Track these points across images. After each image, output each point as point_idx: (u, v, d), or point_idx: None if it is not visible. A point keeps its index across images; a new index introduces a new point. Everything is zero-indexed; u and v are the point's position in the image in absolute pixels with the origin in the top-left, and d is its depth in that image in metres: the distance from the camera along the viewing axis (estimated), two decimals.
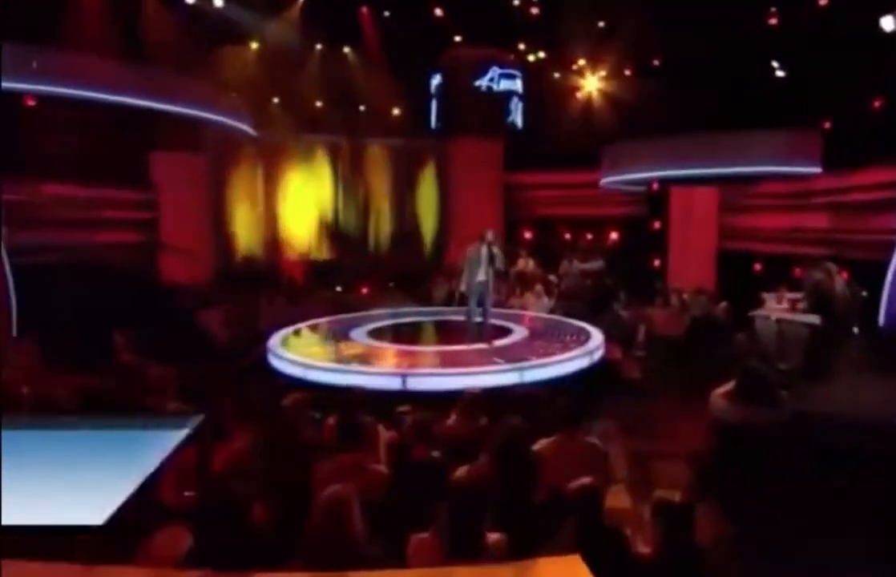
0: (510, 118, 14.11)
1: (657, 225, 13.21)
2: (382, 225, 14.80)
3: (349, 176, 14.69)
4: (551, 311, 10.53)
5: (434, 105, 14.52)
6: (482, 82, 13.75)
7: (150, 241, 12.01)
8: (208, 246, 12.95)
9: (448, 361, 6.96)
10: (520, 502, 2.75)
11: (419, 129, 14.64)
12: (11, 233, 7.97)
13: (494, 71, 13.78)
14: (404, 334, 8.42)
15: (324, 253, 14.33)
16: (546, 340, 8.02)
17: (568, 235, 14.68)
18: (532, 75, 14.03)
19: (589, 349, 7.42)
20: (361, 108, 14.09)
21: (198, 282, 11.41)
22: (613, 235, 14.10)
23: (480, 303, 7.60)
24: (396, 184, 14.58)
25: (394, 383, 6.01)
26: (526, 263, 12.42)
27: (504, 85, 13.93)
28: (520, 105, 14.42)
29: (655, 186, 12.87)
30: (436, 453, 3.45)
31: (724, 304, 9.49)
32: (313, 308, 10.35)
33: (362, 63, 13.69)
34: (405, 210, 14.56)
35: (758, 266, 10.73)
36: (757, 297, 8.72)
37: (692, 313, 9.27)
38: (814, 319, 7.31)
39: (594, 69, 14.10)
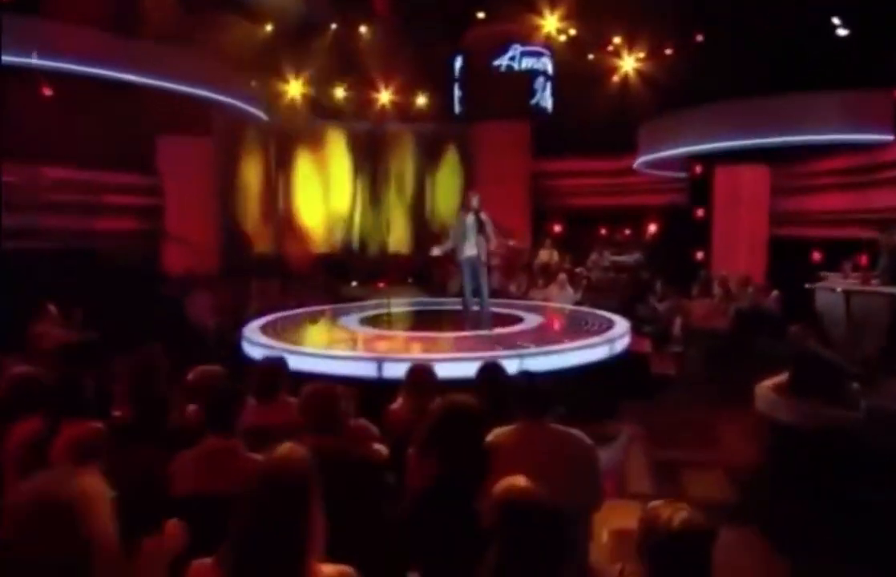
0: (535, 100, 13.11)
1: (700, 213, 11.96)
2: (401, 216, 14.20)
3: (366, 164, 14.18)
4: (578, 304, 9.51)
5: (456, 89, 13.77)
6: (502, 61, 12.86)
7: (152, 229, 11.63)
8: (215, 235, 12.56)
9: (435, 347, 6.14)
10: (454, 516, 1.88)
11: (441, 114, 14.04)
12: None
13: (515, 49, 12.84)
14: (396, 321, 7.66)
15: (338, 246, 13.77)
16: (560, 328, 7.14)
17: (604, 230, 13.88)
18: (562, 55, 13.12)
19: (609, 338, 6.41)
20: (379, 92, 13.48)
21: (198, 271, 10.95)
22: (652, 228, 13.08)
23: (474, 281, 6.75)
24: (417, 172, 14.09)
25: (369, 370, 5.19)
26: (550, 255, 11.65)
27: (527, 64, 12.97)
28: (548, 86, 13.47)
29: (698, 169, 11.83)
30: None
31: (775, 293, 8.25)
32: (312, 298, 9.83)
33: (380, 44, 13.09)
34: (425, 200, 14.06)
35: (817, 255, 9.36)
36: (816, 278, 7.45)
37: (738, 304, 8.04)
38: None
39: (631, 48, 13.11)
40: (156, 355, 2.94)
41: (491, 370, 3.21)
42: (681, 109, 10.32)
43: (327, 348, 5.96)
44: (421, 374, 3.17)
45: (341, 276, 12.70)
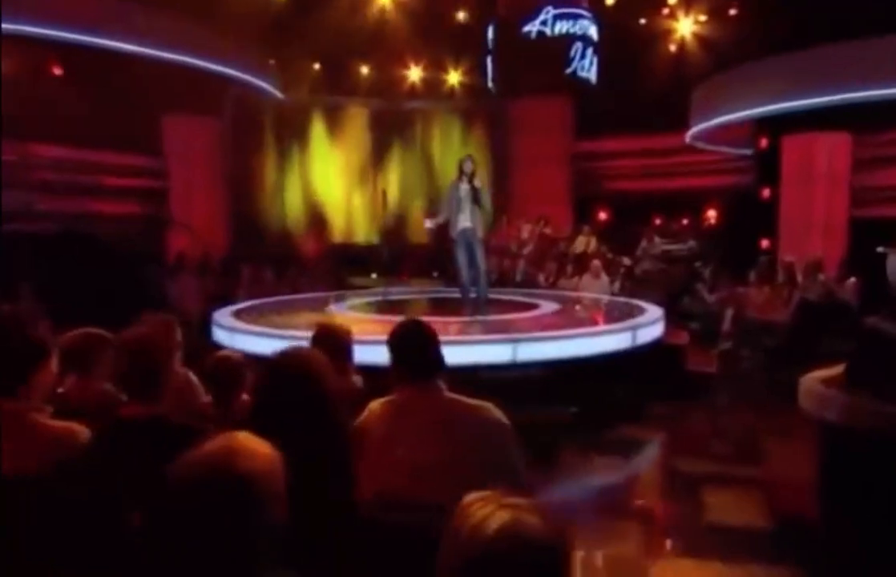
0: (571, 68, 12.39)
1: (766, 194, 10.86)
2: (426, 203, 13.75)
3: (388, 146, 13.93)
4: (614, 296, 8.81)
5: (489, 62, 13.18)
6: (532, 27, 12.15)
7: (157, 214, 11.59)
8: (224, 222, 12.46)
9: None
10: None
11: (475, 91, 13.64)
12: None
13: (548, 12, 12.14)
14: (388, 307, 7.27)
15: (359, 236, 13.44)
16: (581, 317, 6.49)
17: (658, 219, 12.84)
18: (610, 19, 12.58)
19: (632, 325, 5.65)
20: (408, 68, 13.17)
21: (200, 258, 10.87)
22: (711, 213, 12.33)
23: (470, 257, 6.25)
24: (444, 154, 13.71)
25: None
26: (587, 243, 10.91)
27: (561, 28, 12.20)
28: (589, 53, 12.64)
29: (764, 142, 10.89)
30: None
31: (851, 280, 7.17)
32: (314, 288, 9.52)
33: (405, 13, 12.71)
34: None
35: None
36: None
37: (806, 294, 6.99)
38: None
39: (689, 8, 12.42)
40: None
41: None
42: (741, 65, 9.38)
43: (288, 331, 5.41)
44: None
45: (360, 267, 12.31)
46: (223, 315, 6.44)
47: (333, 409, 1.80)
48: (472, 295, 6.46)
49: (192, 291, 8.48)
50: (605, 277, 9.16)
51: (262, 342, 5.22)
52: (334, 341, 2.71)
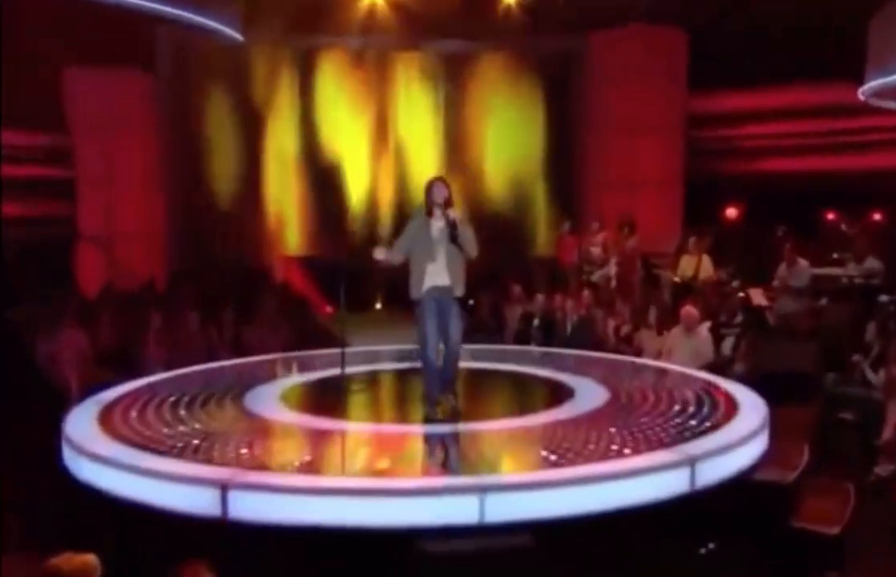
0: None
1: None
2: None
3: (400, 108, 13.91)
4: (722, 366, 8.47)
5: None
6: None
7: (58, 217, 11.85)
8: (159, 228, 12.70)
9: (330, 459, 5.62)
10: None
11: (528, 19, 13.41)
12: None
13: None
14: (331, 397, 7.33)
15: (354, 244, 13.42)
16: (620, 422, 6.23)
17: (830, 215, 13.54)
18: None
19: (688, 454, 5.17)
20: None
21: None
22: None
23: (442, 326, 6.41)
24: (480, 122, 14.02)
25: (202, 502, 4.69)
26: (697, 264, 10.91)
27: None
28: None
29: None
30: None
31: None
32: (270, 339, 9.70)
33: None
34: (499, 173, 14.08)
35: None
36: None
37: None
38: None
39: None
40: None
41: None
42: None
43: (148, 459, 5.20)
44: None
45: (360, 292, 12.26)
46: (82, 418, 6.27)
47: None
48: (440, 382, 6.37)
49: (72, 350, 8.39)
50: (704, 332, 8.67)
51: (133, 483, 5.01)
52: None
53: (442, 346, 6.50)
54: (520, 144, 13.98)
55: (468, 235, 6.27)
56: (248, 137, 13.37)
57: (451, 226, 6.17)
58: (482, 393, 7.73)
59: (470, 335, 10.21)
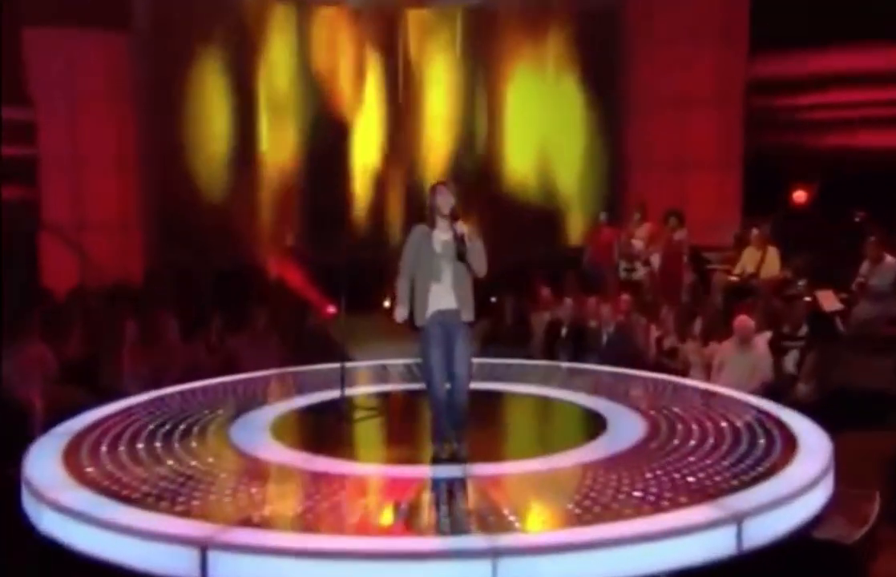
0: None
1: None
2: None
3: (402, 71, 14.18)
4: (793, 383, 8.58)
5: None
6: None
7: (19, 203, 11.99)
8: (136, 214, 12.95)
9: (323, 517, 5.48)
10: None
11: None
12: None
13: None
14: (327, 429, 7.53)
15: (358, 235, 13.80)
16: (657, 463, 6.24)
17: None
18: None
19: (733, 512, 5.22)
20: None
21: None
22: None
23: (448, 355, 6.41)
24: (501, 93, 14.23)
25: (178, 564, 4.84)
26: (761, 259, 11.04)
27: None
28: None
29: None
30: None
31: None
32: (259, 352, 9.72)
33: None
34: (523, 152, 14.12)
35: None
36: None
37: None
38: None
39: None
40: None
41: None
42: None
43: (118, 510, 5.34)
44: None
45: (365, 289, 12.41)
46: (44, 455, 6.37)
47: None
48: (447, 420, 6.38)
49: (36, 366, 8.43)
50: (762, 346, 8.72)
51: (99, 539, 5.09)
52: None
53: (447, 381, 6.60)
54: (548, 117, 14.05)
55: (478, 250, 6.32)
56: (241, 111, 13.55)
57: (459, 241, 6.20)
58: (499, 425, 7.82)
59: (490, 346, 10.48)
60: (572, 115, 14.00)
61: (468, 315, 6.38)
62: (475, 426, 6.78)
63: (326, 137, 13.90)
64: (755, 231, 11.24)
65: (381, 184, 14.15)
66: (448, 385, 6.49)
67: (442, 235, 6.28)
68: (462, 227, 6.25)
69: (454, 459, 6.39)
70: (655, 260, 11.35)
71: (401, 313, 6.56)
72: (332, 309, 12.05)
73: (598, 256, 11.76)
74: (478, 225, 7.06)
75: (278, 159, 13.81)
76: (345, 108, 14.03)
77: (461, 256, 6.22)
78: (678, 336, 9.73)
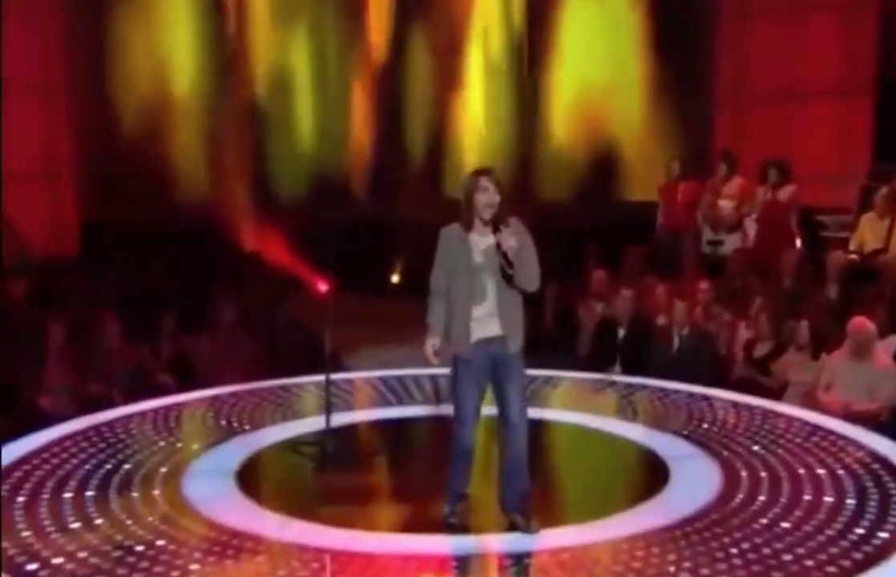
0: None
1: None
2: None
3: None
4: None
5: None
6: None
7: None
8: (67, 170, 13.11)
9: None
10: None
11: None
12: None
13: None
14: (306, 478, 7.67)
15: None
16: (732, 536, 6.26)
17: None
18: None
19: None
20: None
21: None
22: None
23: (500, 398, 6.39)
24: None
25: None
26: (889, 231, 10.79)
27: None
28: None
29: None
30: None
31: None
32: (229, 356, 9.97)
33: None
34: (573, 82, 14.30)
35: None
36: None
37: None
38: None
39: None
40: None
41: None
42: None
43: None
44: None
45: (366, 259, 12.72)
46: None
47: None
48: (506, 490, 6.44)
49: None
50: (885, 358, 8.66)
51: None
52: None
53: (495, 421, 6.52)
54: (608, 34, 14.14)
55: (529, 263, 6.26)
56: (200, 29, 13.78)
57: (503, 258, 6.14)
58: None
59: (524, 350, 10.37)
60: (641, 31, 14.08)
61: (517, 343, 6.35)
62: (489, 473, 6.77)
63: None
64: (883, 190, 11.03)
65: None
66: (503, 439, 6.42)
67: (482, 241, 6.28)
68: (509, 238, 6.13)
69: (523, 531, 6.37)
70: (750, 227, 11.27)
71: (433, 345, 6.51)
72: (324, 286, 12.20)
73: (672, 222, 11.67)
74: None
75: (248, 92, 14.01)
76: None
77: (509, 278, 6.22)
78: (775, 341, 9.64)
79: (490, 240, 6.24)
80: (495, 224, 6.19)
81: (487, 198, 6.18)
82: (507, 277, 6.23)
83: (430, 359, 6.54)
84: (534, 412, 8.14)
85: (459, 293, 6.36)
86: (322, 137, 14.58)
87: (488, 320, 6.33)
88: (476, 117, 14.58)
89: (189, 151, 13.77)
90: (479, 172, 6.43)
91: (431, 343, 6.49)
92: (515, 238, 6.18)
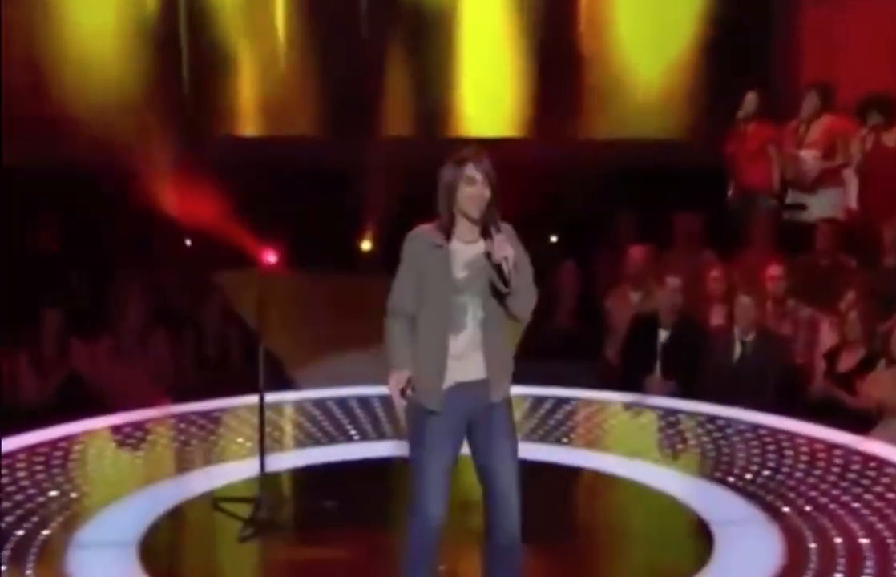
0: None
1: None
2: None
3: None
4: None
5: None
6: None
7: None
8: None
9: None
10: None
11: None
12: None
13: None
14: (228, 546, 7.80)
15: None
16: None
17: None
18: None
19: None
20: None
21: None
22: None
23: (481, 465, 6.25)
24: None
25: None
26: None
27: None
28: None
29: None
30: None
31: None
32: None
33: None
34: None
35: None
36: None
37: None
38: None
39: None
40: None
41: None
42: None
43: None
44: None
45: (325, 220, 12.95)
46: None
47: None
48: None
49: None
50: None
51: None
52: None
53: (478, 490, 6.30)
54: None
55: (524, 280, 6.07)
56: None
57: (497, 271, 5.94)
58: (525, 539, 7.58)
59: (531, 358, 10.45)
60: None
61: (500, 392, 6.20)
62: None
63: None
64: None
65: None
66: (491, 516, 6.21)
67: (467, 250, 6.08)
68: (504, 247, 5.89)
69: None
70: (850, 182, 11.30)
71: (397, 382, 6.22)
72: (272, 258, 12.44)
73: (741, 178, 11.75)
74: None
75: None
76: None
77: (500, 294, 6.11)
78: (868, 349, 9.75)
79: (477, 249, 6.04)
80: (485, 228, 6.09)
81: (474, 193, 5.98)
82: (500, 297, 6.05)
83: (395, 402, 6.31)
84: (536, 452, 8.72)
85: (432, 321, 6.15)
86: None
87: (470, 357, 6.15)
88: None
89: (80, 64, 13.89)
90: (464, 159, 6.15)
91: (396, 379, 6.22)
92: (510, 251, 5.91)
